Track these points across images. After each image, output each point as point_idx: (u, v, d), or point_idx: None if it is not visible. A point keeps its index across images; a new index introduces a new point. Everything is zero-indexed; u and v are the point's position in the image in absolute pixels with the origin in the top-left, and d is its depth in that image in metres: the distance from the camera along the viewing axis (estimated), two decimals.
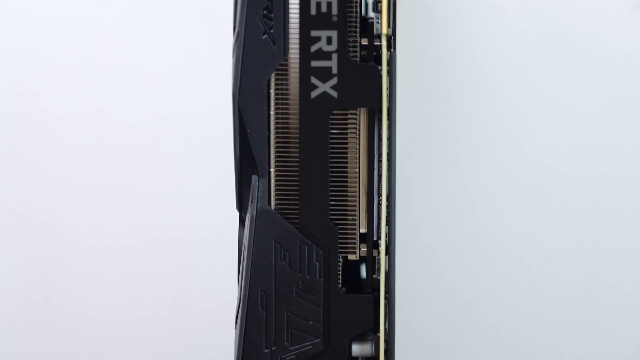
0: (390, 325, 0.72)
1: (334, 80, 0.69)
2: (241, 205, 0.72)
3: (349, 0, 0.69)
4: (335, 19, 0.69)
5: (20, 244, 0.95)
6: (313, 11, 0.69)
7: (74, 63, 0.93)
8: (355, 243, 0.71)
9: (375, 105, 0.69)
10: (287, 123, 0.70)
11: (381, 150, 0.71)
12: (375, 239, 0.72)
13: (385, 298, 0.71)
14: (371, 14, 0.71)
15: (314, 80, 0.69)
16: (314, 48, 0.69)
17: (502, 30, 0.89)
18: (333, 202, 0.70)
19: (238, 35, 0.69)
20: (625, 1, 0.89)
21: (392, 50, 0.71)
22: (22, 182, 0.94)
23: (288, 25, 0.69)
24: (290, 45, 0.69)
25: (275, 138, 0.70)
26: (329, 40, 0.69)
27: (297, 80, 0.69)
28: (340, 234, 0.71)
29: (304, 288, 0.70)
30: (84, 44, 0.92)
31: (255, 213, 0.70)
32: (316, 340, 0.71)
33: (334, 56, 0.69)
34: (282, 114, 0.70)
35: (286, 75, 0.69)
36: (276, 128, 0.70)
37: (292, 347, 0.71)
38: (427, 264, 0.92)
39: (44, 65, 0.93)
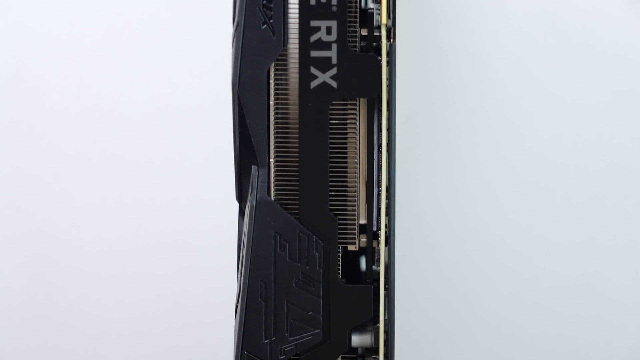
0: (390, 316, 0.72)
1: (333, 71, 0.69)
2: (241, 196, 0.72)
3: None
4: (334, 9, 0.69)
5: (19, 238, 0.95)
6: (313, 1, 0.69)
7: (73, 56, 0.93)
8: (355, 234, 0.71)
9: (374, 96, 0.69)
10: (286, 113, 0.70)
11: (381, 141, 0.71)
12: (375, 229, 0.72)
13: (385, 289, 0.71)
14: (371, 4, 0.71)
15: (313, 70, 0.69)
16: (313, 38, 0.69)
17: (502, 22, 0.89)
18: (333, 193, 0.70)
19: (238, 25, 0.69)
20: None
21: (391, 40, 0.71)
22: (21, 176, 0.94)
23: (288, 15, 0.69)
24: (290, 36, 0.69)
25: (274, 128, 0.70)
26: (329, 31, 0.69)
27: (297, 70, 0.69)
28: (340, 224, 0.71)
29: (304, 278, 0.70)
30: (83, 38, 0.92)
31: (254, 203, 0.70)
32: (316, 331, 0.71)
33: (334, 46, 0.69)
34: (282, 104, 0.70)
35: (286, 65, 0.69)
36: (276, 118, 0.70)
37: (292, 338, 0.71)
38: (426, 256, 0.92)
39: (44, 59, 0.93)
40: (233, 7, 0.70)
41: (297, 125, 0.70)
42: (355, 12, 0.69)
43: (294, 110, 0.70)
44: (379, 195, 0.71)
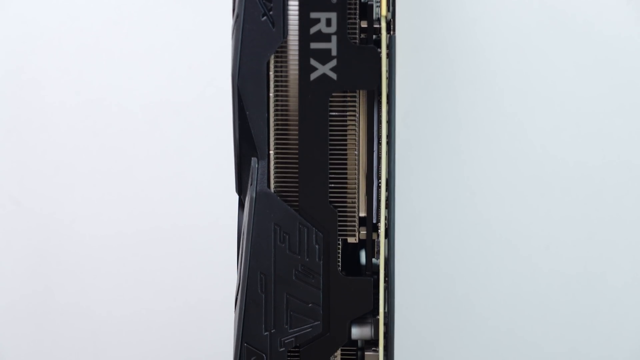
0: (390, 308, 0.72)
1: (333, 62, 0.69)
2: (240, 188, 0.72)
3: None
4: (334, 0, 0.69)
5: (19, 232, 0.95)
6: None
7: (73, 50, 0.93)
8: (354, 226, 0.71)
9: (374, 87, 0.69)
10: (286, 105, 0.70)
11: (381, 133, 0.71)
12: (374, 222, 0.72)
13: (385, 281, 0.71)
14: None
15: (313, 62, 0.69)
16: (313, 30, 0.69)
17: (503, 15, 0.89)
18: (332, 185, 0.70)
19: (237, 16, 0.69)
20: None
21: (391, 32, 0.71)
22: (21, 170, 0.94)
23: (287, 7, 0.69)
24: (290, 27, 0.69)
25: (274, 120, 0.70)
26: (329, 22, 0.69)
27: (297, 62, 0.69)
28: (340, 216, 0.71)
29: (304, 271, 0.70)
30: (83, 31, 0.92)
31: (254, 195, 0.70)
32: (315, 323, 0.71)
33: (334, 38, 0.69)
34: (282, 96, 0.70)
35: (285, 57, 0.69)
36: (275, 110, 0.70)
37: (292, 330, 0.71)
38: (426, 250, 0.92)
39: (43, 53, 0.93)
40: None
41: (297, 117, 0.70)
42: (355, 4, 0.69)
43: (293, 102, 0.70)
44: (379, 187, 0.71)
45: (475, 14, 0.89)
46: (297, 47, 0.69)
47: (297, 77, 0.69)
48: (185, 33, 0.91)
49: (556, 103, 0.90)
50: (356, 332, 0.72)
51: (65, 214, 0.94)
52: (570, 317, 0.93)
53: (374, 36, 0.71)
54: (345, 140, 0.70)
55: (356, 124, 0.70)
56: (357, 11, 0.69)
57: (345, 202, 0.71)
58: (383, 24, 0.70)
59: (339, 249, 0.71)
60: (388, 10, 0.71)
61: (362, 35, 0.70)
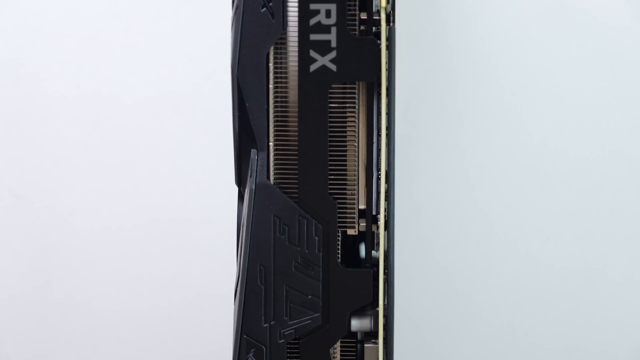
0: (390, 300, 0.72)
1: (333, 54, 0.69)
2: (240, 180, 0.72)
3: None
4: None
5: (18, 225, 0.95)
6: None
7: (72, 43, 0.92)
8: (354, 218, 0.71)
9: (374, 79, 0.69)
10: (286, 96, 0.70)
11: (380, 125, 0.71)
12: (374, 213, 0.72)
13: (385, 273, 0.71)
14: None
15: (312, 53, 0.69)
16: (313, 21, 0.69)
17: (503, 7, 0.89)
18: (332, 177, 0.70)
19: (237, 8, 0.69)
20: None
21: (391, 24, 0.71)
22: (20, 163, 0.94)
23: None
24: (289, 19, 0.69)
25: (274, 112, 0.70)
26: (328, 14, 0.69)
27: (296, 53, 0.69)
28: (340, 208, 0.71)
29: (303, 262, 0.70)
30: (83, 24, 0.92)
31: (254, 187, 0.70)
32: (315, 315, 0.71)
33: (333, 29, 0.69)
34: (281, 87, 0.70)
35: (285, 48, 0.69)
36: (275, 102, 0.70)
37: (291, 322, 0.71)
38: (426, 243, 0.92)
39: (42, 45, 0.93)
40: None
41: (297, 109, 0.69)
42: None
43: (293, 94, 0.70)
44: (379, 179, 0.71)
45: (475, 6, 0.89)
46: (296, 39, 0.69)
47: (296, 68, 0.69)
48: (185, 25, 0.91)
49: (556, 96, 0.90)
50: (356, 324, 0.72)
51: (65, 207, 0.94)
52: (569, 310, 0.93)
53: (374, 28, 0.71)
54: (345, 132, 0.70)
55: (356, 115, 0.70)
56: (357, 3, 0.69)
57: (345, 194, 0.71)
58: (383, 16, 0.70)
59: (338, 240, 0.71)
60: (387, 2, 0.71)
61: (362, 27, 0.70)
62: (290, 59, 0.69)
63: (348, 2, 0.69)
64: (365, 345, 0.72)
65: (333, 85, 0.69)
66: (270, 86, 0.70)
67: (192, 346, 0.95)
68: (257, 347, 0.71)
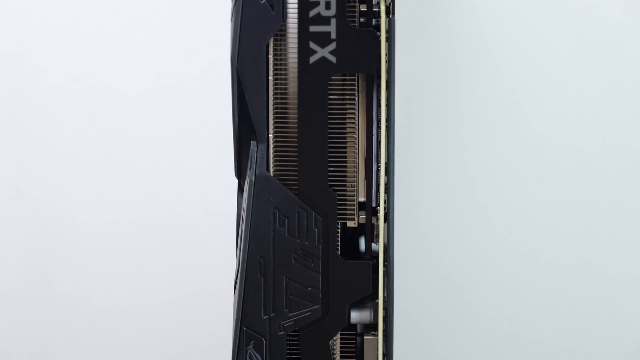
0: (389, 293, 0.72)
1: (332, 46, 0.69)
2: (240, 172, 0.72)
3: None
4: None
5: (18, 219, 0.95)
6: None
7: (73, 36, 0.92)
8: (354, 210, 0.71)
9: (374, 70, 0.69)
10: (285, 88, 0.70)
11: (380, 117, 0.71)
12: (374, 205, 0.72)
13: (384, 266, 0.71)
14: None
15: (312, 45, 0.69)
16: (312, 13, 0.69)
17: (503, 1, 0.89)
18: (332, 169, 0.70)
19: (236, 0, 0.69)
20: None
21: (391, 16, 0.70)
22: (20, 156, 0.94)
23: None
24: (289, 10, 0.69)
25: (274, 103, 0.70)
26: (328, 5, 0.69)
27: (296, 45, 0.69)
28: (339, 200, 0.71)
29: (303, 254, 0.70)
30: (83, 17, 0.92)
31: (254, 179, 0.70)
32: (315, 307, 0.71)
33: (333, 21, 0.69)
34: (281, 79, 0.70)
35: (285, 40, 0.69)
36: (275, 93, 0.70)
37: (291, 314, 0.71)
38: (425, 236, 0.92)
39: (43, 38, 0.93)
40: None
41: (296, 101, 0.69)
42: None
43: (293, 86, 0.70)
44: (378, 171, 0.71)
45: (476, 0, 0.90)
46: (296, 30, 0.69)
47: (296, 60, 0.69)
48: (185, 18, 0.91)
49: (556, 90, 0.90)
50: (355, 316, 0.72)
51: (64, 201, 0.94)
52: (568, 304, 0.93)
53: (373, 20, 0.71)
54: (345, 124, 0.70)
55: (355, 107, 0.70)
56: None
57: (345, 186, 0.71)
58: (382, 8, 0.70)
59: (338, 232, 0.71)
60: None
61: (362, 19, 0.70)
62: (290, 50, 0.69)
63: None
64: (365, 337, 0.72)
65: (333, 77, 0.69)
66: (270, 78, 0.70)
67: (192, 339, 0.95)
68: (256, 339, 0.71)
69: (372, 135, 0.71)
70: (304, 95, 0.69)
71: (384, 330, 0.72)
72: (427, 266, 0.92)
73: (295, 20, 0.69)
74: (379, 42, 0.69)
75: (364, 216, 0.72)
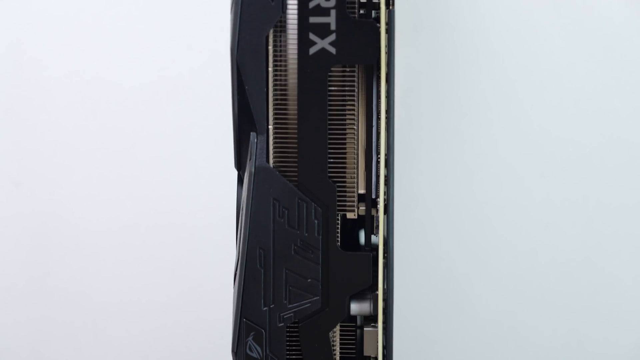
0: (389, 284, 0.72)
1: (332, 37, 0.69)
2: (239, 164, 0.72)
3: None
4: None
5: (18, 212, 0.95)
6: None
7: (72, 29, 0.92)
8: (354, 201, 0.71)
9: (373, 62, 0.69)
10: (285, 80, 0.70)
11: (380, 108, 0.71)
12: (373, 197, 0.72)
13: (384, 257, 0.71)
14: None
15: (312, 36, 0.69)
16: (312, 4, 0.69)
17: None
18: (332, 160, 0.70)
19: None
20: None
21: (390, 7, 0.70)
22: (20, 150, 0.94)
23: None
24: (289, 1, 0.69)
25: (273, 95, 0.70)
26: None
27: (296, 36, 0.69)
28: (339, 192, 0.71)
29: (303, 246, 0.70)
30: (82, 10, 0.92)
31: (253, 170, 0.70)
32: (315, 298, 0.71)
33: (333, 12, 0.69)
34: (281, 70, 0.70)
35: (284, 31, 0.69)
36: (274, 85, 0.70)
37: (291, 305, 0.71)
38: (424, 229, 0.92)
39: (43, 32, 0.93)
40: None
41: (296, 92, 0.69)
42: None
43: (292, 77, 0.70)
44: (378, 162, 0.71)
45: None
46: (296, 22, 0.69)
47: (296, 51, 0.69)
48: (184, 10, 0.91)
49: (557, 84, 0.90)
50: (355, 307, 0.72)
51: (64, 195, 0.94)
52: (567, 298, 0.93)
53: (373, 12, 0.71)
54: (345, 115, 0.70)
55: (355, 99, 0.70)
56: None
57: (345, 177, 0.71)
58: None
59: (338, 224, 0.71)
60: None
61: (362, 11, 0.70)
62: (290, 42, 0.69)
63: None
64: (365, 329, 0.72)
65: (332, 69, 0.69)
66: (270, 69, 0.69)
67: (192, 332, 0.95)
68: (256, 330, 0.71)
69: (372, 127, 0.71)
70: (304, 86, 0.69)
71: (384, 322, 0.72)
72: (427, 259, 0.92)
73: (295, 12, 0.69)
74: (379, 33, 0.69)
75: (364, 208, 0.72)
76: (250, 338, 0.71)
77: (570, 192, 0.92)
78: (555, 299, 0.93)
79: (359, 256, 0.71)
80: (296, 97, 0.69)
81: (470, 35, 0.90)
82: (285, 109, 0.70)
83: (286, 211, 0.70)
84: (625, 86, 0.90)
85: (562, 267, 0.92)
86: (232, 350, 0.71)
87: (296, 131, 0.70)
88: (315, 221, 0.70)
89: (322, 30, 0.69)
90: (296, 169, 0.70)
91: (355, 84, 0.70)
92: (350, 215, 0.71)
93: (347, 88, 0.70)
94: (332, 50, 0.69)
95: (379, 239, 0.71)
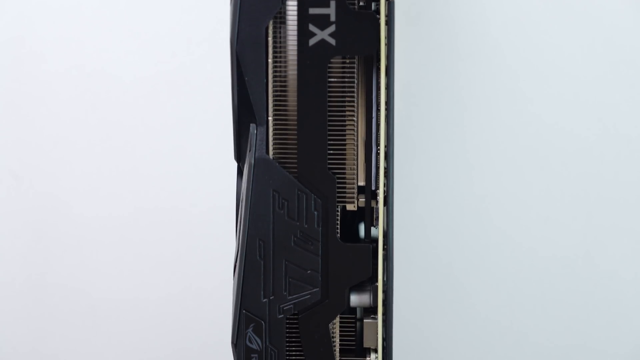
0: (389, 276, 0.71)
1: (332, 28, 0.69)
2: (239, 156, 0.72)
3: None
4: None
5: (17, 206, 0.95)
6: None
7: (72, 23, 0.92)
8: (353, 193, 0.71)
9: (373, 53, 0.69)
10: (285, 71, 0.70)
11: (379, 100, 0.71)
12: (373, 188, 0.72)
13: (384, 249, 0.71)
14: None
15: (312, 27, 0.69)
16: None
17: None
18: (331, 152, 0.70)
19: None
20: None
21: None
22: (20, 143, 0.94)
23: None
24: None
25: (273, 86, 0.70)
26: None
27: (295, 27, 0.69)
28: (339, 183, 0.71)
29: (302, 237, 0.70)
30: (83, 2, 0.92)
31: (253, 161, 0.70)
32: (314, 290, 0.71)
33: (332, 3, 0.69)
34: (280, 61, 0.70)
35: (284, 22, 0.69)
36: (274, 76, 0.70)
37: (290, 297, 0.71)
38: (424, 222, 0.92)
39: (42, 25, 0.93)
40: None
41: (296, 83, 0.69)
42: None
43: (292, 68, 0.70)
44: (378, 154, 0.71)
45: None
46: (295, 13, 0.69)
47: (295, 42, 0.69)
48: (184, 1, 0.91)
49: (557, 77, 0.90)
50: (355, 299, 0.72)
51: (63, 189, 0.94)
52: (566, 290, 0.93)
53: (373, 3, 0.71)
54: (344, 106, 0.70)
55: (355, 90, 0.70)
56: None
57: (344, 169, 0.71)
58: None
59: (337, 216, 0.71)
60: None
61: (361, 2, 0.70)
62: (290, 33, 0.69)
63: None
64: (365, 320, 0.72)
65: (332, 60, 0.69)
66: (270, 60, 0.69)
67: (192, 326, 0.95)
68: (256, 322, 0.71)
69: (372, 118, 0.71)
70: (304, 77, 0.69)
71: (384, 314, 0.72)
72: (426, 251, 0.92)
73: (295, 3, 0.69)
74: (379, 25, 0.69)
75: (364, 200, 0.72)
76: (250, 329, 0.71)
77: (570, 186, 0.92)
78: (554, 291, 0.93)
79: (359, 247, 0.71)
80: (296, 89, 0.69)
81: (470, 27, 0.90)
82: (285, 101, 0.70)
83: (286, 202, 0.70)
84: (625, 79, 0.90)
85: (562, 261, 0.92)
86: (232, 342, 0.71)
87: (296, 122, 0.70)
88: (315, 212, 0.70)
89: (322, 22, 0.69)
90: (296, 161, 0.70)
91: (355, 75, 0.70)
92: (350, 207, 0.71)
93: (346, 79, 0.70)
94: (332, 41, 0.69)
95: (378, 231, 0.71)
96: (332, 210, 0.70)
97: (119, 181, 0.94)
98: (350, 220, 0.74)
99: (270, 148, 0.70)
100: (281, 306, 0.71)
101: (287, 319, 0.71)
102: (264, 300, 0.71)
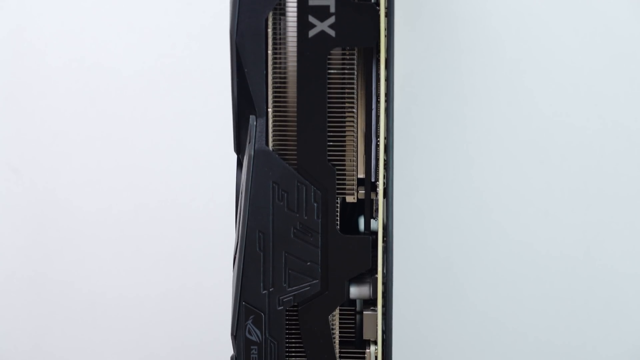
0: (389, 268, 0.71)
1: (331, 19, 0.69)
2: (239, 147, 0.72)
3: None
4: None
5: (17, 200, 0.95)
6: None
7: (72, 15, 0.92)
8: (353, 185, 0.71)
9: (373, 44, 0.69)
10: (285, 62, 0.70)
11: (379, 91, 0.71)
12: (373, 180, 0.72)
13: (384, 241, 0.71)
14: None
15: (311, 19, 0.69)
16: None
17: None
18: (331, 143, 0.70)
19: None
20: None
21: None
22: (19, 137, 0.94)
23: None
24: None
25: (273, 78, 0.70)
26: None
27: (295, 19, 0.69)
28: (339, 175, 0.71)
29: (302, 229, 0.70)
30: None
31: (253, 153, 0.70)
32: (314, 282, 0.71)
33: None
34: (280, 53, 0.70)
35: (284, 14, 0.69)
36: (274, 67, 0.70)
37: (290, 289, 0.71)
38: (423, 215, 0.92)
39: (42, 19, 0.93)
40: None
41: (296, 75, 0.69)
42: None
43: (292, 60, 0.69)
44: (377, 146, 0.71)
45: None
46: (295, 4, 0.69)
47: (295, 34, 0.69)
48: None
49: (556, 71, 0.90)
50: (354, 291, 0.72)
51: (62, 183, 0.94)
52: (565, 291, 0.93)
53: None
54: (344, 98, 0.70)
55: (355, 82, 0.70)
56: None
57: (344, 160, 0.71)
58: None
59: (337, 207, 0.71)
60: None
61: None
62: (289, 24, 0.69)
63: None
64: (364, 312, 0.72)
65: (332, 51, 0.69)
66: (269, 52, 0.69)
67: (192, 319, 0.95)
68: (256, 313, 0.71)
69: (372, 110, 0.71)
70: (303, 69, 0.69)
71: (383, 306, 0.72)
72: (426, 243, 0.92)
73: None
74: (379, 16, 0.69)
75: (363, 192, 0.72)
76: (249, 321, 0.71)
77: (570, 180, 0.91)
78: (553, 285, 0.93)
79: (359, 239, 0.71)
80: (295, 80, 0.69)
81: (470, 20, 0.90)
82: (284, 92, 0.70)
83: (285, 194, 0.70)
84: (626, 73, 0.90)
85: (561, 255, 0.92)
86: (232, 334, 0.71)
87: (295, 114, 0.70)
88: (315, 204, 0.70)
89: (322, 13, 0.69)
90: (295, 152, 0.70)
91: (355, 67, 0.70)
92: (349, 199, 0.71)
93: (346, 71, 0.70)
94: (332, 32, 0.69)
95: (378, 223, 0.71)
96: (331, 202, 0.70)
97: (118, 175, 0.94)
98: (350, 212, 0.74)
99: (270, 140, 0.70)
100: (281, 298, 0.71)
101: (287, 310, 0.71)
102: (264, 292, 0.71)
